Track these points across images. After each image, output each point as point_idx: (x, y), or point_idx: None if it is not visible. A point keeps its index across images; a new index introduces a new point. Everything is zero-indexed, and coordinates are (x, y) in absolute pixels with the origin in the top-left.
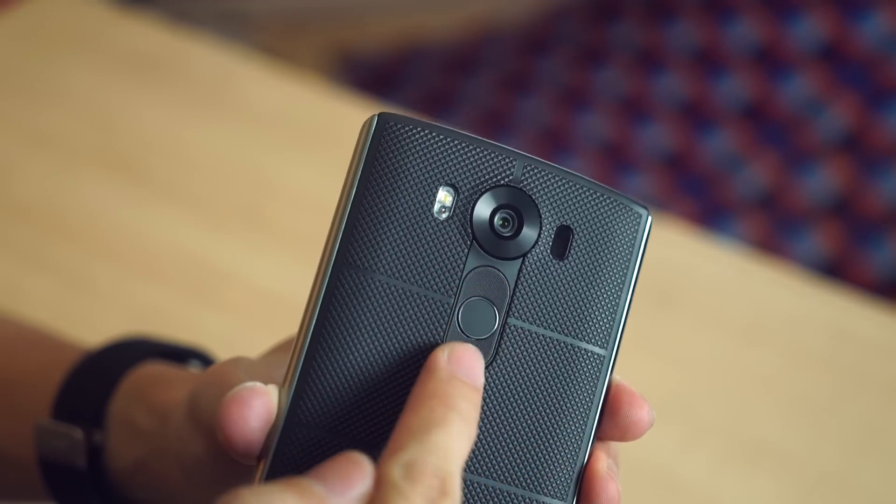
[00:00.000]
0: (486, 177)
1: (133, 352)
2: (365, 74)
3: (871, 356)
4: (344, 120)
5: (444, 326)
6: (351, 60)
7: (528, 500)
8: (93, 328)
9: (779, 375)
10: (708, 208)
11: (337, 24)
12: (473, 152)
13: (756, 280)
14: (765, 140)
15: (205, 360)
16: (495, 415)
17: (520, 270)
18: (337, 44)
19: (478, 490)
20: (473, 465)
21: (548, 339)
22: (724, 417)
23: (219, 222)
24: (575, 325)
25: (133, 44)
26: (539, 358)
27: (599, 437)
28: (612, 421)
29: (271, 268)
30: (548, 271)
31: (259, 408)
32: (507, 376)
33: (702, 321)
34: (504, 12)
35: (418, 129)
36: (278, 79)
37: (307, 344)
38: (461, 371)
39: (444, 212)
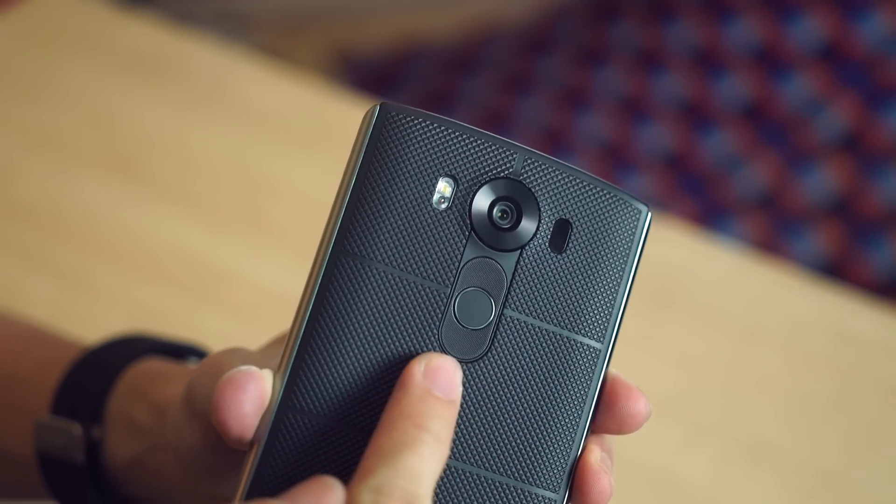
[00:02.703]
0: (486, 168)
1: (132, 348)
2: (365, 74)
3: (871, 356)
4: (344, 120)
5: (440, 316)
6: (351, 60)
7: (519, 491)
8: (93, 328)
9: (779, 375)
10: (708, 208)
11: (337, 24)
12: (474, 144)
13: (756, 280)
14: (765, 140)
15: (203, 356)
16: (489, 405)
17: (517, 262)
18: (337, 44)
19: (470, 479)
20: (466, 455)
21: (544, 332)
22: (724, 417)
23: (219, 222)
24: (571, 319)
25: (133, 44)
26: (534, 350)
27: (596, 430)
28: (608, 413)
29: (271, 268)
30: (545, 264)
31: (253, 391)
32: (501, 367)
33: (702, 321)
34: (504, 12)
35: (419, 119)
36: (278, 79)
37: (303, 330)
38: (437, 385)
39: (444, 202)
